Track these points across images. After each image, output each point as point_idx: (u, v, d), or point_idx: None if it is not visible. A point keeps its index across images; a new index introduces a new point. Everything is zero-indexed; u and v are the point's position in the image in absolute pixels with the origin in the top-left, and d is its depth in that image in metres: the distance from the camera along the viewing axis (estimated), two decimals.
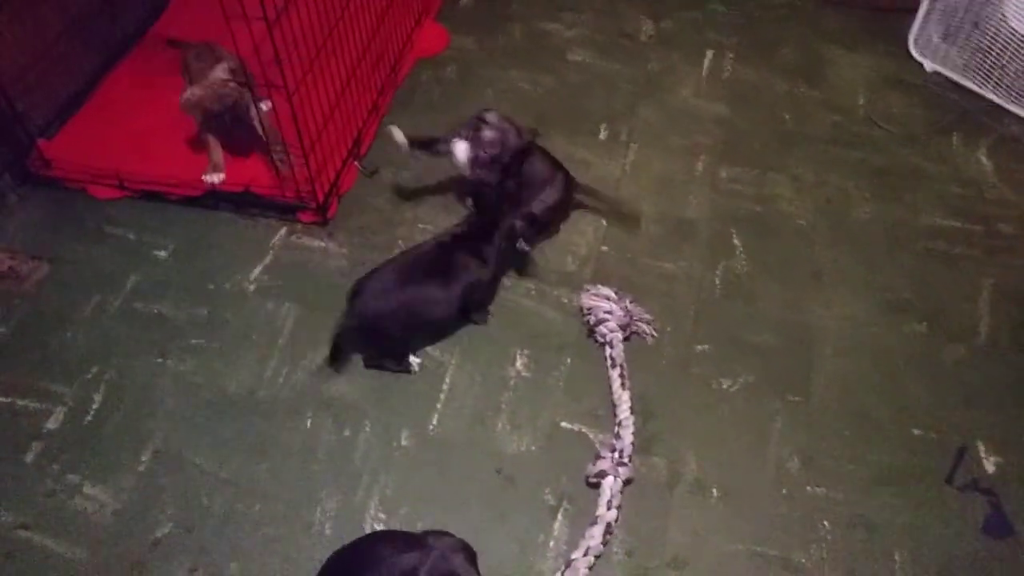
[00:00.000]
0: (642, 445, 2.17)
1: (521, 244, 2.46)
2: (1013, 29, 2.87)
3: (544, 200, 2.53)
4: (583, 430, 2.23)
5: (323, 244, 2.65)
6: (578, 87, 3.18)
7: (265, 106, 2.77)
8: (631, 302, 2.38)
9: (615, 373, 2.26)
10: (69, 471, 2.16)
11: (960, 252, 2.62)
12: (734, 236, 2.67)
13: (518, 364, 2.37)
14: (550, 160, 2.60)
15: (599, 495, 2.04)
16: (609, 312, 2.34)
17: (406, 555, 1.59)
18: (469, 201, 2.69)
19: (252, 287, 2.56)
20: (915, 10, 3.18)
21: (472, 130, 2.44)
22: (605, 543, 1.98)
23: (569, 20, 3.46)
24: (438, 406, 2.29)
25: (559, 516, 2.07)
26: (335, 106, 2.74)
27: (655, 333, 2.41)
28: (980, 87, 3.06)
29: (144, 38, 3.29)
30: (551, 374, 2.35)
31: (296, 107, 2.37)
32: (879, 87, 3.16)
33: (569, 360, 2.38)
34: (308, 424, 2.25)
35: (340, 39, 2.70)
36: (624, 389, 2.22)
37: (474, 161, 2.45)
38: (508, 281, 2.55)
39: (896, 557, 2.00)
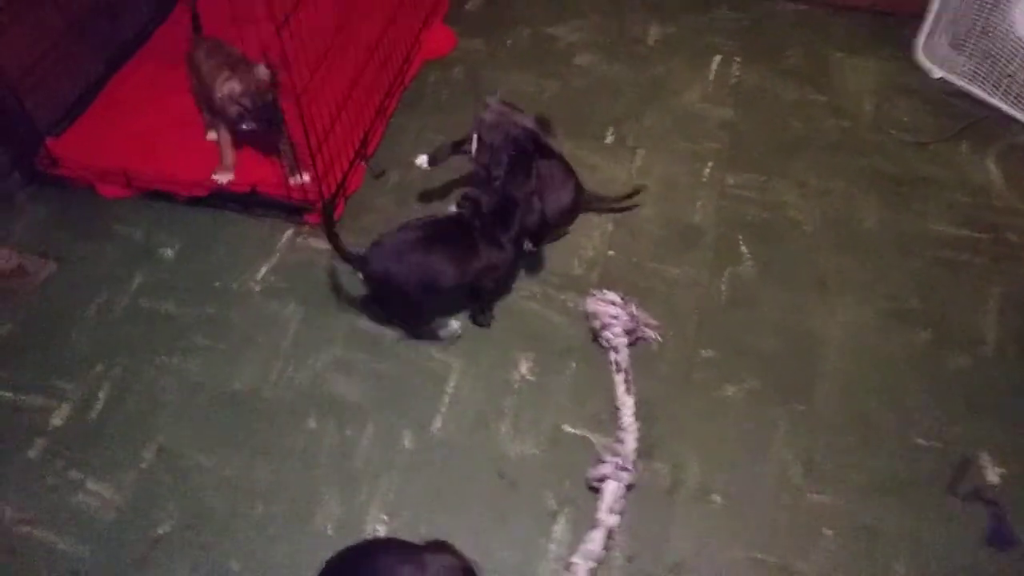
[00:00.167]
0: (645, 450, 2.16)
1: (527, 245, 2.46)
2: (1020, 38, 2.86)
3: (558, 200, 2.53)
4: (586, 435, 2.22)
5: (329, 246, 2.65)
6: (584, 91, 3.18)
7: None
8: (637, 307, 2.38)
9: (619, 378, 2.25)
10: (72, 468, 2.17)
11: (967, 260, 2.61)
12: (741, 243, 2.67)
13: (522, 367, 2.37)
14: (565, 163, 2.59)
15: (600, 499, 2.03)
16: (614, 317, 2.33)
17: (403, 569, 1.56)
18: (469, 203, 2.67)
19: (258, 287, 2.56)
20: (923, 17, 3.16)
21: (477, 117, 2.44)
22: (607, 548, 1.98)
23: (575, 24, 3.46)
24: (441, 408, 2.29)
25: (561, 520, 2.07)
26: (342, 107, 2.74)
27: (660, 338, 2.40)
28: (988, 95, 3.05)
29: (151, 39, 3.29)
30: (555, 378, 2.34)
31: (303, 108, 2.38)
32: (887, 94, 3.14)
33: (574, 364, 2.37)
34: (311, 424, 2.25)
35: (347, 40, 2.70)
36: (628, 394, 2.22)
37: (480, 146, 2.44)
38: (514, 284, 2.55)
39: (897, 566, 1.99)
